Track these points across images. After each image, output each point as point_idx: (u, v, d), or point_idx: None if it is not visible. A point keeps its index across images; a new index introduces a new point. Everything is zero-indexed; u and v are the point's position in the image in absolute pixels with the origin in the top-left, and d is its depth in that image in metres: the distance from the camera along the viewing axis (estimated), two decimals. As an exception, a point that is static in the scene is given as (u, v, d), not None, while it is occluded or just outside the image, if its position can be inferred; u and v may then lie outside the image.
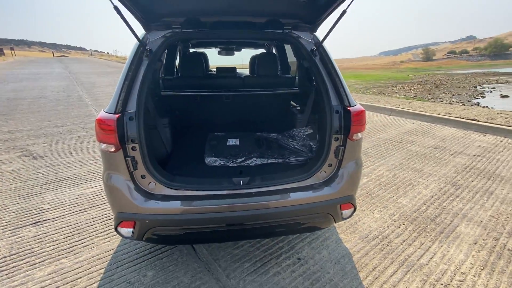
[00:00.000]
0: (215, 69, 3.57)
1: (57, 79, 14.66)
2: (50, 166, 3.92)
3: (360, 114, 1.77)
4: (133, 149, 1.59)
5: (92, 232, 2.48)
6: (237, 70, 3.36)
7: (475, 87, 21.89)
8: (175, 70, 3.88)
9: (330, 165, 1.82)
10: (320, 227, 2.01)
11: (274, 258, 2.17)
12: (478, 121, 5.64)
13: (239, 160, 2.27)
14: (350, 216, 1.93)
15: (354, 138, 1.79)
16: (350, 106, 1.79)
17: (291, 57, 3.79)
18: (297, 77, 3.21)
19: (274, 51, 4.20)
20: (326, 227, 2.26)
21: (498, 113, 6.27)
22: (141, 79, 1.66)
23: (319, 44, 1.93)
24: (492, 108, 11.23)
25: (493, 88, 21.10)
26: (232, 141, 2.68)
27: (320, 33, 2.10)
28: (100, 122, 1.55)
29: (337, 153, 1.79)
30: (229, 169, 2.19)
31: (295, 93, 3.06)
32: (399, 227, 2.58)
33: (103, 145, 1.58)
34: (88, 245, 2.32)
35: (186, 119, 3.19)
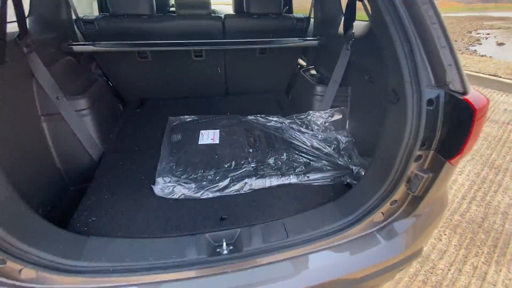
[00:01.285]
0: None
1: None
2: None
3: (485, 110, 0.82)
4: None
5: None
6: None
7: (470, 32, 20.70)
8: (104, 4, 2.45)
9: (393, 203, 0.96)
10: None
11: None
12: (500, 77, 4.85)
13: (221, 184, 1.22)
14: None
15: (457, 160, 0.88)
16: (466, 93, 0.80)
17: None
18: (312, 19, 2.04)
19: None
20: None
21: (518, 67, 5.49)
22: None
23: None
24: (491, 57, 10.55)
25: (488, 34, 20.05)
26: (207, 136, 1.57)
27: None
28: None
29: (415, 185, 0.88)
30: (200, 206, 1.16)
31: (307, 47, 1.93)
32: (440, 240, 1.92)
33: None
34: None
35: (125, 94, 2.03)
